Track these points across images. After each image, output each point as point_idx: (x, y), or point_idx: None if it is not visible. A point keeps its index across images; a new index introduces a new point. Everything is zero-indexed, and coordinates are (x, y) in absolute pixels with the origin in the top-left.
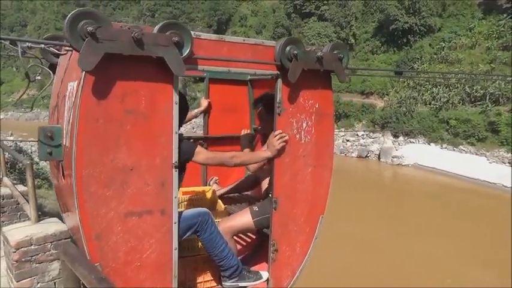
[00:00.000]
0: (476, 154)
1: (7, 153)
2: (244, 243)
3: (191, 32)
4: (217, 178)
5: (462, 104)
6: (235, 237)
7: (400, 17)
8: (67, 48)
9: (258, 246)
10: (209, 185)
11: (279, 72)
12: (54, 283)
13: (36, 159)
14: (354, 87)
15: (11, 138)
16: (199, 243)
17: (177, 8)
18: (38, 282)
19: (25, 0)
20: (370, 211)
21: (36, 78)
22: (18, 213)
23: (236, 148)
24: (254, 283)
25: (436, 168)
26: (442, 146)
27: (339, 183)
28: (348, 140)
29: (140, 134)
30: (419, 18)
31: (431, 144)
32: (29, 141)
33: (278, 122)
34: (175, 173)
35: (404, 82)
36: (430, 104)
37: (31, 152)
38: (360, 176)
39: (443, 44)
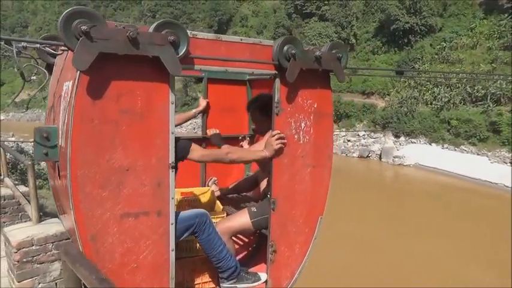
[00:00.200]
0: (478, 154)
1: (8, 154)
2: (243, 244)
3: (187, 31)
4: (216, 179)
5: (463, 104)
6: (233, 238)
7: (401, 17)
8: (63, 48)
9: (256, 247)
10: (208, 186)
11: (277, 72)
12: (56, 283)
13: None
14: (355, 87)
15: (13, 138)
16: (197, 245)
17: (178, 8)
18: (39, 283)
19: (26, 1)
20: (371, 211)
21: (32, 78)
22: (20, 213)
23: None
24: (252, 284)
25: (438, 168)
26: (443, 146)
27: (340, 183)
28: (349, 140)
29: (136, 134)
30: (420, 18)
31: (433, 144)
32: (30, 142)
33: (276, 122)
34: (171, 174)
35: (405, 82)
36: (431, 104)
37: (32, 153)
38: (361, 176)
39: (444, 44)
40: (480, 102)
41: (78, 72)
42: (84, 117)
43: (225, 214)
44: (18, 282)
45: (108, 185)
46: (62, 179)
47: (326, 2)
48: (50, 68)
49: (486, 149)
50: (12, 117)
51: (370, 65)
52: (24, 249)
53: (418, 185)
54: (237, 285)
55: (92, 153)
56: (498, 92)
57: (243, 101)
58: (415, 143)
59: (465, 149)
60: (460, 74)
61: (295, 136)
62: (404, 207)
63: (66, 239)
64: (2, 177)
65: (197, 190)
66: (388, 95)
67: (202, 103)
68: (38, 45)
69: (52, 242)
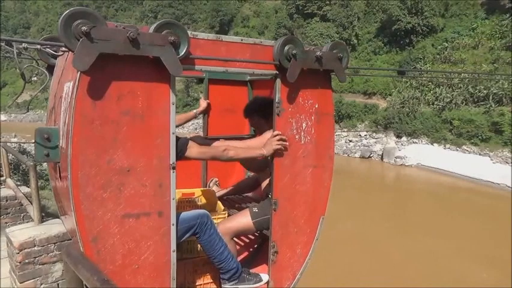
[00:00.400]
0: (480, 154)
1: (11, 155)
2: (244, 245)
3: (188, 31)
4: (217, 179)
5: (465, 104)
6: (235, 239)
7: (403, 17)
8: (64, 48)
9: (258, 248)
10: (209, 187)
11: (277, 72)
12: (58, 284)
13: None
14: (357, 87)
15: (15, 139)
16: (199, 245)
17: (179, 9)
18: (41, 284)
19: (28, 1)
20: (373, 211)
21: (33, 79)
22: (22, 214)
23: None
24: (254, 285)
25: (439, 168)
26: (445, 146)
27: (341, 183)
28: (350, 141)
29: (137, 135)
30: (421, 18)
31: (435, 144)
32: (33, 143)
33: (277, 123)
34: (172, 174)
35: (407, 82)
36: (433, 104)
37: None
38: (362, 176)
39: (446, 44)
40: (482, 103)
41: (79, 73)
42: (84, 118)
43: (227, 215)
44: (21, 283)
45: (109, 186)
46: (63, 180)
47: (327, 2)
48: (50, 68)
49: (488, 149)
50: (15, 118)
51: (372, 65)
52: (26, 250)
53: (420, 185)
54: (239, 286)
55: (92, 154)
56: (500, 92)
57: (244, 102)
58: (416, 143)
59: (467, 149)
60: (462, 74)
61: (297, 136)
62: (406, 207)
63: (68, 240)
64: (4, 178)
65: (198, 191)
66: (390, 95)
67: (203, 104)
68: (38, 46)
69: (54, 243)
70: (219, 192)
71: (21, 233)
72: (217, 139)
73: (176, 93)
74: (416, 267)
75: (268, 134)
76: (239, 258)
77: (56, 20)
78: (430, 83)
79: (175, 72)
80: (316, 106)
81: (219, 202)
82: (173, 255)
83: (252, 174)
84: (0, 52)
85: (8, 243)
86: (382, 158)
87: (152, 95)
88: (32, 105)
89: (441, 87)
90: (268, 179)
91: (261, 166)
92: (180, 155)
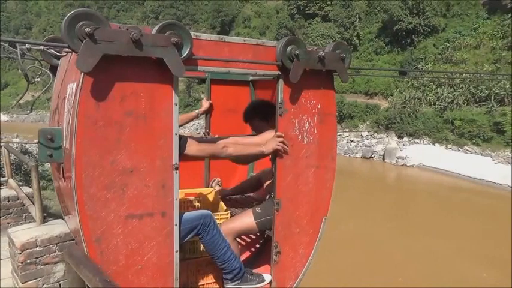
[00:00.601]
0: (482, 155)
1: (12, 155)
2: (247, 245)
3: (191, 32)
4: (219, 179)
5: (467, 104)
6: (237, 239)
7: (404, 17)
8: (67, 49)
9: (260, 248)
10: (211, 187)
11: (280, 73)
12: (59, 285)
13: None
14: (358, 87)
15: (17, 140)
16: (202, 246)
17: (180, 9)
18: (43, 284)
19: (30, 2)
20: (374, 212)
21: (36, 80)
22: (24, 214)
23: None
24: (257, 285)
25: (441, 168)
26: (447, 147)
27: (343, 184)
28: (352, 141)
29: (140, 135)
30: (423, 18)
31: (436, 144)
32: (34, 143)
33: (280, 123)
34: (175, 175)
35: (408, 82)
36: (434, 104)
37: (36, 154)
38: (364, 176)
39: (448, 44)
40: (484, 103)
41: (82, 74)
42: (88, 119)
43: (229, 215)
44: (23, 283)
45: (112, 187)
46: (66, 180)
47: (329, 3)
48: (53, 69)
49: (490, 150)
50: (17, 119)
51: (373, 65)
52: (28, 250)
53: (422, 185)
54: (241, 286)
55: (96, 155)
56: (502, 92)
57: (246, 102)
58: (418, 143)
59: (469, 149)
60: (464, 74)
61: (299, 137)
62: (408, 207)
63: (70, 240)
64: (6, 178)
65: (201, 191)
66: (391, 95)
67: (205, 104)
68: (42, 47)
69: (56, 243)
70: (222, 192)
71: (23, 233)
72: (219, 139)
73: (179, 94)
74: (418, 267)
75: (268, 133)
76: (242, 259)
77: (58, 21)
78: (431, 83)
79: (178, 73)
80: (319, 106)
81: (221, 202)
82: (176, 256)
83: (255, 174)
84: (1, 53)
85: (10, 243)
86: (383, 159)
87: (155, 96)
88: (34, 105)
89: (443, 87)
90: (270, 179)
91: (248, 159)
92: (180, 152)
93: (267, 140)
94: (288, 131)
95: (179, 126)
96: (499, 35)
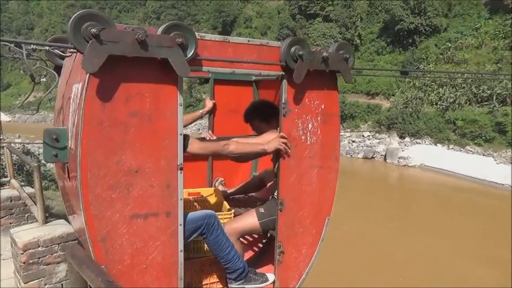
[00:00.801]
0: (484, 155)
1: (15, 155)
2: (250, 245)
3: (195, 33)
4: (222, 179)
5: (469, 105)
6: (241, 239)
7: (406, 17)
8: (72, 50)
9: (264, 248)
10: (214, 186)
11: (284, 73)
12: (62, 285)
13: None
14: (360, 87)
15: (19, 140)
16: (206, 245)
17: (182, 10)
18: (46, 284)
19: (32, 3)
20: (376, 212)
21: (42, 80)
22: (26, 215)
23: None
24: (260, 285)
25: (443, 169)
26: (448, 147)
27: (345, 184)
28: (353, 141)
29: (145, 136)
30: (424, 18)
31: (438, 145)
32: (36, 143)
33: (283, 124)
34: (180, 175)
35: (410, 82)
36: (436, 104)
37: (38, 154)
38: (366, 177)
39: (449, 44)
40: (486, 103)
41: (88, 74)
42: (93, 120)
43: (233, 215)
44: (25, 283)
45: (117, 187)
46: (71, 180)
47: (330, 3)
48: (58, 69)
49: (492, 150)
50: (19, 119)
51: (375, 65)
52: (30, 250)
53: (423, 185)
54: (245, 286)
55: (101, 155)
56: (504, 93)
57: (249, 102)
58: (420, 143)
59: (471, 149)
60: (465, 74)
61: (303, 137)
62: (410, 208)
63: (72, 240)
64: (8, 178)
65: (204, 190)
66: (393, 95)
67: (209, 104)
68: (47, 48)
69: (58, 244)
70: (225, 192)
71: (26, 233)
72: (222, 139)
73: (183, 94)
74: (419, 267)
75: (268, 135)
76: (245, 258)
77: (60, 21)
78: (433, 83)
79: (183, 74)
80: (322, 107)
81: (224, 202)
82: (181, 255)
83: (258, 174)
84: (1, 53)
85: (12, 243)
86: (385, 159)
87: (160, 97)
88: (35, 105)
89: (444, 87)
90: (273, 179)
91: (249, 157)
92: (183, 150)
93: (268, 141)
94: (292, 131)
95: (184, 126)
96: (500, 35)
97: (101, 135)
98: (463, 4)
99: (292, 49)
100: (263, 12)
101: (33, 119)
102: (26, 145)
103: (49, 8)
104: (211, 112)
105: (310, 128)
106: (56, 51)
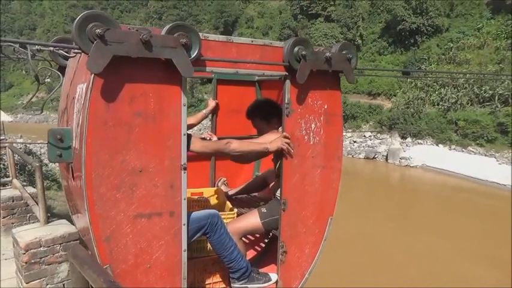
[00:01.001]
0: (485, 155)
1: (17, 155)
2: (253, 245)
3: (199, 33)
4: (225, 179)
5: (471, 105)
6: (243, 239)
7: (407, 17)
8: (76, 50)
9: (266, 248)
10: (217, 186)
11: (287, 73)
12: (63, 285)
13: (46, 161)
14: (361, 88)
15: (21, 140)
16: (209, 245)
17: (184, 10)
18: (47, 284)
19: (34, 3)
20: (377, 212)
21: (46, 80)
22: (28, 215)
23: None
24: (263, 285)
25: (445, 169)
26: (450, 147)
27: (346, 184)
28: (355, 141)
29: (149, 136)
30: (426, 18)
31: (440, 145)
32: (38, 143)
33: (286, 124)
34: (184, 175)
35: (411, 83)
36: (438, 104)
37: (40, 154)
38: (367, 177)
39: (451, 45)
40: (488, 103)
41: (92, 75)
42: (98, 120)
43: (235, 214)
44: (26, 283)
45: (121, 187)
46: (76, 180)
47: (332, 3)
48: (61, 70)
49: (494, 150)
50: (21, 119)
51: (376, 65)
52: (32, 250)
53: (425, 186)
54: (248, 286)
55: (106, 155)
56: (506, 93)
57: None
58: (421, 144)
59: (473, 150)
60: (467, 75)
61: (306, 137)
62: (411, 208)
63: (74, 240)
64: (10, 178)
65: (207, 190)
66: (395, 95)
67: (212, 103)
68: (51, 48)
69: (60, 244)
70: (228, 191)
71: (28, 233)
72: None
73: (187, 94)
74: (420, 267)
75: (268, 136)
76: (248, 258)
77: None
78: (435, 84)
79: (187, 74)
80: (325, 107)
81: (227, 202)
82: (184, 255)
83: (260, 174)
84: (0, 53)
85: (14, 243)
86: (386, 159)
87: (164, 97)
88: (38, 106)
89: (446, 87)
90: (276, 180)
91: (250, 157)
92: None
93: (269, 141)
94: (295, 131)
95: (190, 128)
96: (503, 35)
97: (106, 135)
98: (465, 4)
99: (296, 49)
100: (265, 12)
101: (36, 119)
102: (28, 145)
103: (51, 8)
104: (214, 112)
105: (313, 128)
106: (60, 51)
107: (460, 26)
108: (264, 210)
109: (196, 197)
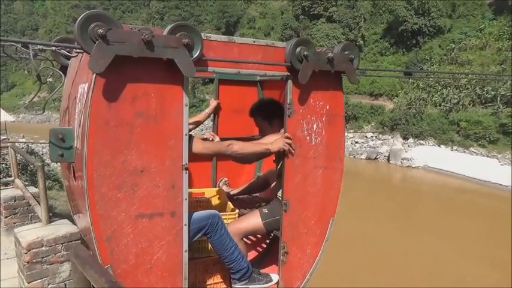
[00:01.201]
0: (488, 156)
1: (19, 155)
2: (254, 245)
3: (201, 33)
4: (226, 179)
5: (473, 106)
6: (244, 239)
7: (409, 17)
8: (78, 50)
9: (268, 249)
10: (219, 186)
11: (289, 74)
12: (65, 284)
13: (48, 161)
14: (363, 88)
15: (23, 140)
16: (210, 245)
17: (185, 10)
18: (49, 284)
19: (36, 3)
20: (379, 213)
21: (48, 80)
22: (30, 214)
23: None
24: (264, 285)
25: (446, 170)
26: (452, 148)
27: (348, 185)
28: (356, 142)
29: (150, 136)
30: (428, 19)
31: (442, 146)
32: (40, 143)
33: (288, 124)
34: (185, 175)
35: (413, 83)
36: (440, 105)
37: (42, 154)
38: (369, 178)
39: (453, 45)
40: (490, 104)
41: (94, 75)
42: (100, 120)
43: (237, 215)
44: (28, 283)
45: (123, 186)
46: (77, 179)
47: (333, 4)
48: (63, 69)
49: (496, 151)
50: (23, 119)
51: (378, 66)
52: (34, 250)
53: (427, 187)
54: (249, 286)
55: (107, 155)
56: (508, 94)
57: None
58: (423, 144)
59: (474, 151)
60: (469, 75)
61: (307, 138)
62: (412, 209)
63: (76, 240)
64: (12, 178)
65: (208, 191)
66: (397, 96)
67: (213, 103)
68: (53, 48)
69: (62, 243)
70: (229, 192)
71: (29, 233)
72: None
73: (189, 95)
74: (421, 268)
75: (270, 137)
76: (249, 259)
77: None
78: (437, 84)
79: (188, 74)
80: (327, 107)
81: (228, 202)
82: (185, 255)
83: (262, 174)
84: (1, 53)
85: (16, 243)
86: (388, 160)
87: (165, 97)
88: (39, 106)
89: (448, 88)
90: (277, 180)
91: (251, 158)
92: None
93: (271, 141)
94: (297, 131)
95: (197, 125)
96: (505, 36)
97: (107, 135)
98: (467, 5)
99: (298, 50)
100: (266, 12)
101: (37, 119)
102: (30, 145)
103: (53, 8)
104: (216, 112)
105: (315, 128)
106: (62, 51)
107: (462, 26)
108: (265, 210)
109: (198, 197)
